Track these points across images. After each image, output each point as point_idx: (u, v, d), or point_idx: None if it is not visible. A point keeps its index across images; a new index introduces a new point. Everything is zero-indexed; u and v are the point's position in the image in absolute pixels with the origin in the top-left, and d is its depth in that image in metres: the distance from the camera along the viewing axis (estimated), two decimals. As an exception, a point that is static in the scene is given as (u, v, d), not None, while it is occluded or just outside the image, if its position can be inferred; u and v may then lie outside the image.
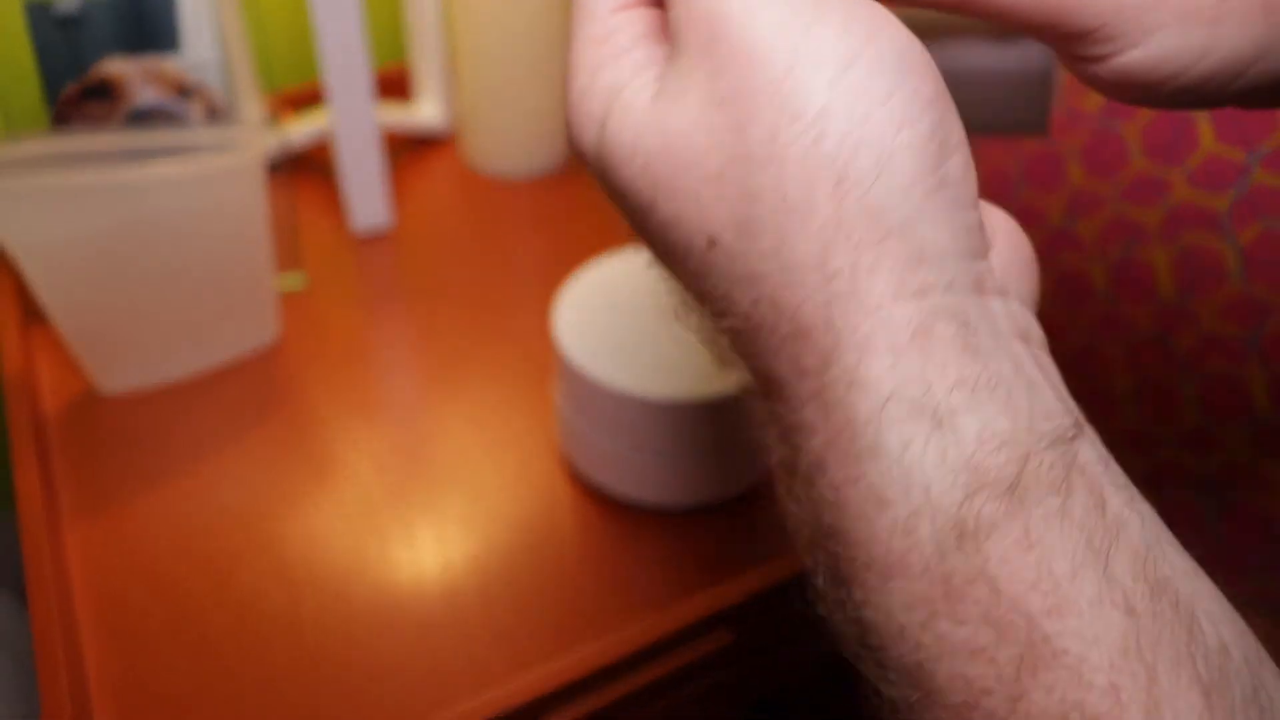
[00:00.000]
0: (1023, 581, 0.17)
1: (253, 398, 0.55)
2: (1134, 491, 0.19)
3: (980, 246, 0.19)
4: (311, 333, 0.60)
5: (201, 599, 0.45)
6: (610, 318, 0.47)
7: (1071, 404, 0.19)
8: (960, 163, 0.19)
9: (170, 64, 0.58)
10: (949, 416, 0.17)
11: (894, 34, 0.18)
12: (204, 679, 0.43)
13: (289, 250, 0.63)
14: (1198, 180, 0.47)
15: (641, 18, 0.21)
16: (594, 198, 0.70)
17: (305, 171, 0.72)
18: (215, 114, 0.60)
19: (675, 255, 0.20)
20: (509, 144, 0.72)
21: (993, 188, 0.59)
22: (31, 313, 0.57)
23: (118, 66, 0.57)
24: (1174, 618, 0.17)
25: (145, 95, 0.58)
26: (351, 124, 0.62)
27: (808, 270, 0.18)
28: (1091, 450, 0.18)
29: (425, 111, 0.75)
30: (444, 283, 0.64)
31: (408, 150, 0.76)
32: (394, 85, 0.76)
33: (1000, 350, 0.18)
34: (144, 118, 0.58)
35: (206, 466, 0.51)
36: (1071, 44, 0.21)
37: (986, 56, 0.35)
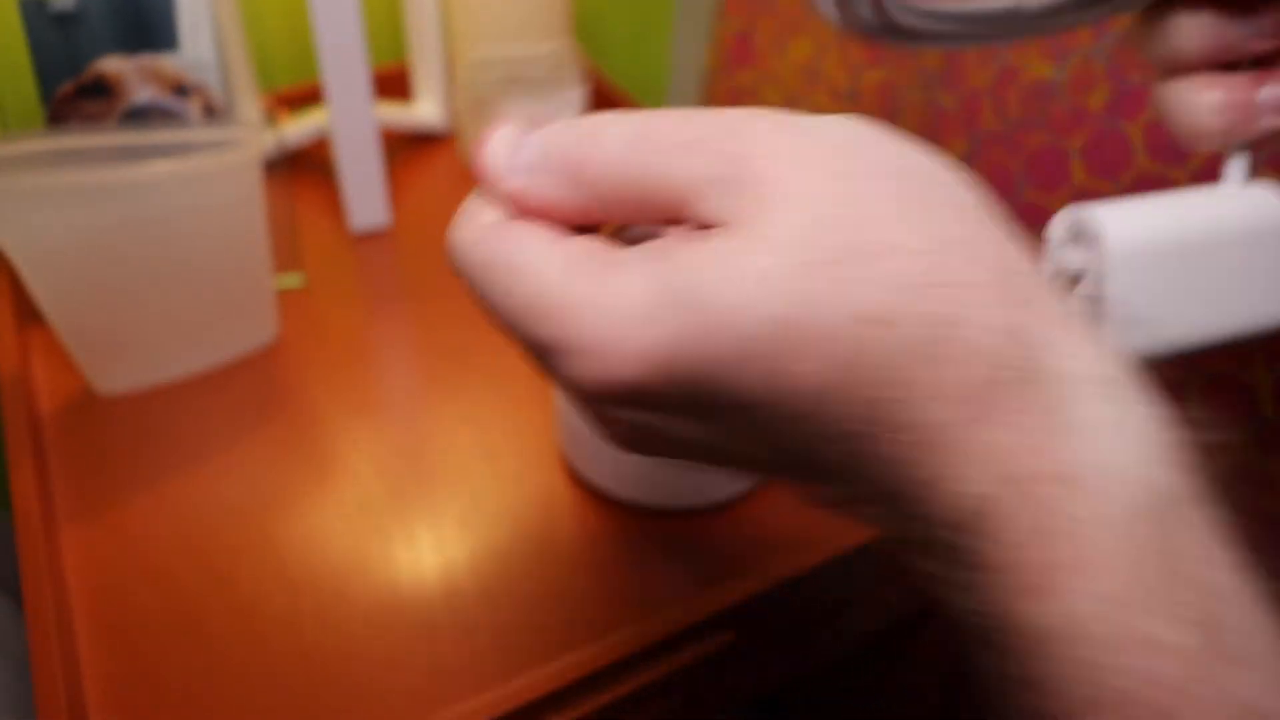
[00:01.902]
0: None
1: (251, 397, 0.55)
2: None
3: None
4: (310, 332, 0.59)
5: (200, 600, 0.45)
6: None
7: None
8: None
9: (168, 62, 0.57)
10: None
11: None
12: (202, 680, 0.42)
13: (287, 249, 0.63)
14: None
15: (586, 239, 0.21)
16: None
17: (304, 170, 0.72)
18: (213, 112, 0.59)
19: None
20: (508, 142, 0.72)
21: (995, 187, 0.59)
22: (27, 313, 0.57)
23: (114, 64, 0.57)
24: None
25: (142, 93, 0.58)
26: (350, 122, 0.62)
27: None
28: None
29: (424, 110, 0.74)
30: (443, 282, 0.64)
31: (406, 149, 0.75)
32: (393, 84, 0.75)
33: None
34: (141, 116, 0.58)
35: (204, 467, 0.51)
36: None
37: None
